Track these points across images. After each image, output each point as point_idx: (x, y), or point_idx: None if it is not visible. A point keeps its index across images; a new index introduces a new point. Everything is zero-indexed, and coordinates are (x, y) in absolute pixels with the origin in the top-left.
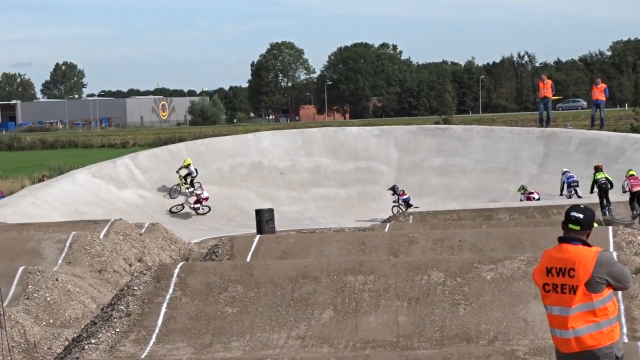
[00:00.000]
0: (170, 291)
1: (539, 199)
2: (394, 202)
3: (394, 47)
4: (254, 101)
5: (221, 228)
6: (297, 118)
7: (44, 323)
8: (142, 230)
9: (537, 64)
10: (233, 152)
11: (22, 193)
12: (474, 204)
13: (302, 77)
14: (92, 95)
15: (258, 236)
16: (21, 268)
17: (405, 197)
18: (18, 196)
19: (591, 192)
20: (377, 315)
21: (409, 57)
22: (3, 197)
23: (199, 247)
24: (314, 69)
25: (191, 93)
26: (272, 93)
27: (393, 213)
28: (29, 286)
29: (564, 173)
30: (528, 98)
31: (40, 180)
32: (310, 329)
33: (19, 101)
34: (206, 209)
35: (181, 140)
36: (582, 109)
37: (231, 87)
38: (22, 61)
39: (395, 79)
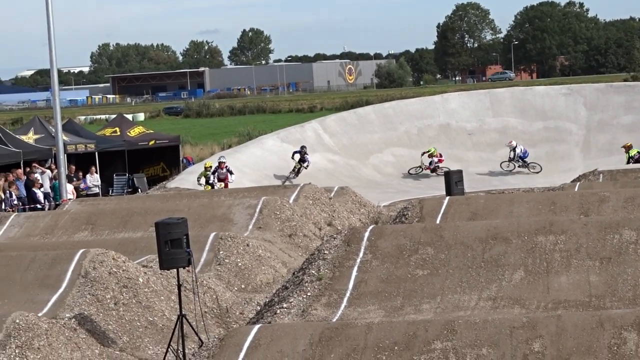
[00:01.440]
0: (361, 254)
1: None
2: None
3: (581, 4)
4: (440, 63)
5: (410, 190)
6: (483, 78)
7: (236, 288)
8: (332, 194)
9: None
10: (420, 114)
11: (211, 159)
12: None
13: (488, 37)
14: (279, 60)
15: (447, 198)
16: (212, 234)
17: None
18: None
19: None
20: (569, 276)
21: (596, 15)
22: (193, 163)
23: (388, 209)
24: (500, 29)
25: (377, 56)
26: (458, 54)
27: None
28: (221, 252)
29: (516, 146)
30: None
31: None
32: (502, 290)
33: (207, 68)
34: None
35: (368, 103)
36: (510, 79)
37: (417, 49)
38: (210, 28)
39: (582, 37)
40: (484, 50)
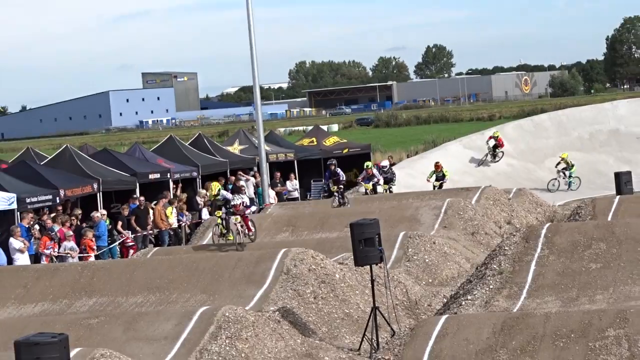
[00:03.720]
0: (539, 250)
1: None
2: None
3: None
4: (610, 72)
5: (582, 191)
6: None
7: (424, 282)
8: (510, 195)
9: None
10: (592, 120)
11: (400, 165)
12: None
13: None
14: (460, 73)
15: (618, 197)
16: (402, 233)
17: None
18: (396, 168)
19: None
20: None
21: None
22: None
23: (563, 209)
24: None
25: (551, 67)
26: (626, 64)
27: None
28: (409, 249)
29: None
30: None
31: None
32: None
33: (394, 82)
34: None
35: (543, 111)
36: (346, 114)
37: (588, 61)
38: (397, 46)
39: None
40: None
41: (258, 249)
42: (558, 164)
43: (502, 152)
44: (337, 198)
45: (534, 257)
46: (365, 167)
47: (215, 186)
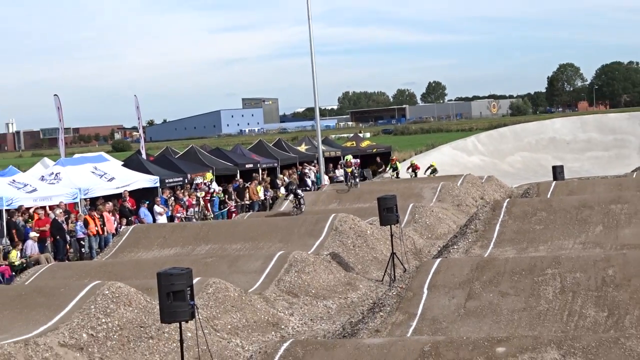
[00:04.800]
0: (501, 216)
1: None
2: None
3: (637, 63)
4: (549, 100)
5: (530, 178)
6: (576, 109)
7: (425, 237)
8: (483, 180)
9: None
10: (537, 131)
11: (406, 163)
12: None
13: (579, 84)
14: (451, 100)
15: (554, 182)
16: (411, 204)
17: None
18: (404, 164)
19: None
20: (630, 229)
21: None
22: (398, 162)
23: (518, 189)
24: (587, 78)
25: (510, 96)
26: (560, 95)
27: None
28: (416, 215)
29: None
30: None
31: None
32: (588, 238)
33: (407, 105)
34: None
35: (505, 125)
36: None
37: (535, 92)
38: (409, 81)
39: (639, 82)
40: (576, 92)
41: (316, 214)
42: (427, 169)
43: (417, 173)
44: (295, 207)
45: (498, 221)
46: (345, 159)
47: (208, 176)
